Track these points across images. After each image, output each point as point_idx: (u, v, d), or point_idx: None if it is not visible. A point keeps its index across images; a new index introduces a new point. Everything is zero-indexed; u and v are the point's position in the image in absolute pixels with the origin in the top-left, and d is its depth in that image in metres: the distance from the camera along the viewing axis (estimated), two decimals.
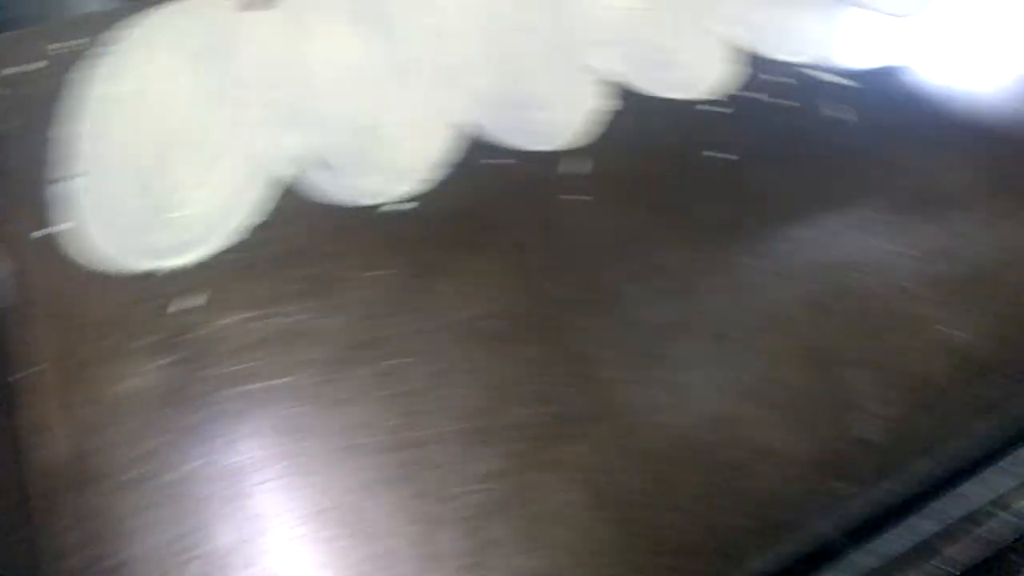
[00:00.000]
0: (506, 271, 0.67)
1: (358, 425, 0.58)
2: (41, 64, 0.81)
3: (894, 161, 0.78)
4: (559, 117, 0.82)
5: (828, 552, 0.57)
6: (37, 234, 0.68)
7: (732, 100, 0.84)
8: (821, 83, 0.86)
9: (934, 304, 0.66)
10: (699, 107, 0.83)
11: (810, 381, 0.60)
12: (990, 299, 0.66)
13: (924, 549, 0.60)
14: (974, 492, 0.61)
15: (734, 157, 0.78)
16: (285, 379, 0.60)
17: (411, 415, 0.58)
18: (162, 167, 0.76)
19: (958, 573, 0.60)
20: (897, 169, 0.77)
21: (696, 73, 0.88)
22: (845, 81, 0.86)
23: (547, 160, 0.77)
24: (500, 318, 0.63)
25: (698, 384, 0.60)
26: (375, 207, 0.72)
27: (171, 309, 0.64)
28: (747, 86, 0.86)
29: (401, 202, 0.72)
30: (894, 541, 0.58)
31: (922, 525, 0.59)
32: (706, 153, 0.78)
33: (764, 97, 0.85)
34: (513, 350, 0.61)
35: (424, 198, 0.73)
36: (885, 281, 0.67)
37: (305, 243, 0.69)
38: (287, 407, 0.58)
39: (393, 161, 0.77)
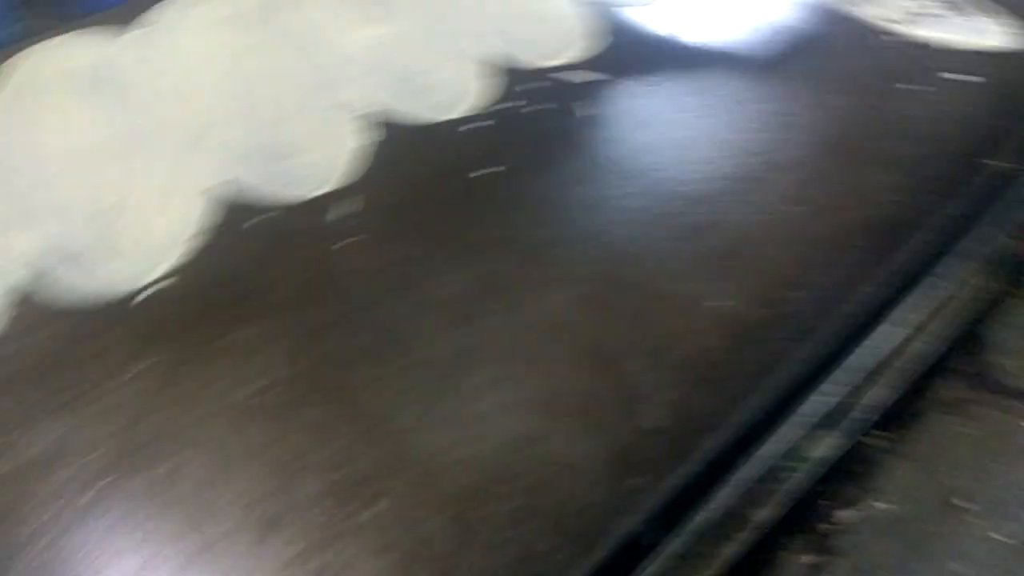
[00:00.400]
0: (281, 335, 0.64)
1: (139, 543, 0.53)
2: None
3: (648, 148, 0.81)
4: (319, 160, 0.79)
5: (642, 545, 0.58)
6: None
7: (493, 114, 0.85)
8: (573, 83, 0.88)
9: (702, 280, 0.68)
10: (462, 126, 0.83)
11: (596, 383, 0.61)
12: (750, 265, 0.69)
13: (733, 519, 0.62)
14: (768, 451, 0.64)
15: (501, 168, 0.79)
16: (45, 515, 0.54)
17: (195, 516, 0.54)
18: None
19: (768, 531, 0.63)
20: (652, 155, 0.80)
21: (455, 92, 0.87)
22: (596, 76, 0.88)
23: (312, 208, 0.74)
24: (280, 388, 0.60)
25: (491, 411, 0.59)
26: (130, 295, 0.67)
27: None
28: (506, 98, 0.86)
29: (158, 283, 0.67)
30: (703, 518, 0.60)
31: (726, 496, 0.62)
32: (474, 173, 0.78)
33: (523, 106, 0.85)
34: (297, 419, 0.58)
35: (183, 273, 0.68)
36: (654, 268, 0.69)
37: (55, 351, 0.63)
38: (52, 548, 0.53)
39: (144, 241, 0.72)
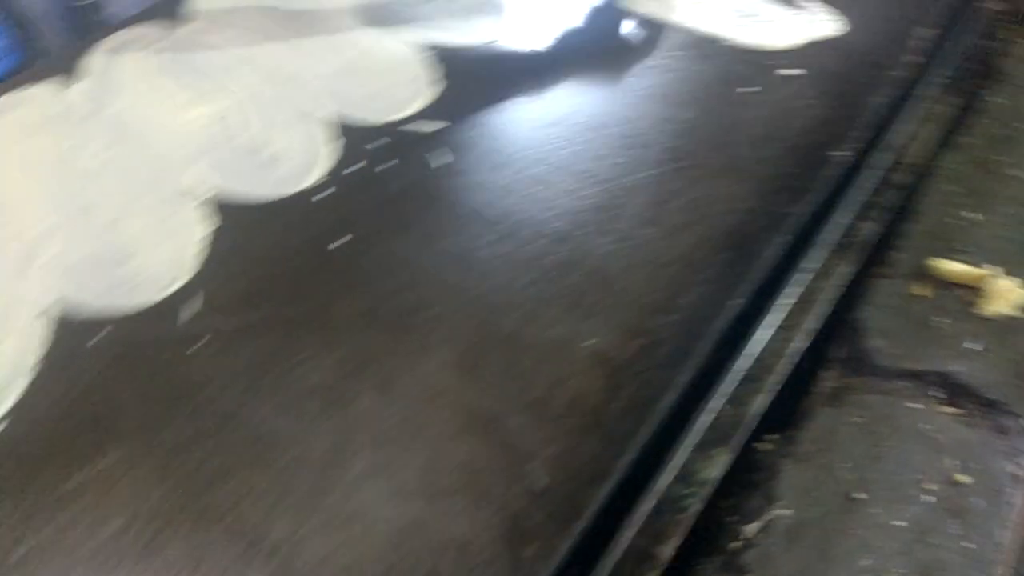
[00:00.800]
0: (138, 462, 0.59)
1: None
2: None
3: (506, 190, 0.80)
4: (163, 258, 0.75)
5: None
6: None
7: (345, 179, 0.82)
8: (424, 133, 0.86)
9: (573, 321, 0.67)
10: (313, 197, 0.80)
11: (480, 450, 0.59)
12: (617, 297, 0.69)
13: (642, 559, 0.61)
14: (664, 482, 0.63)
15: (358, 235, 0.76)
16: None
17: None
18: None
19: (679, 563, 0.62)
20: (510, 197, 0.79)
21: (301, 162, 0.84)
22: (446, 123, 0.87)
23: (159, 313, 0.69)
24: (141, 522, 0.55)
25: (374, 503, 0.56)
26: None
27: None
28: (356, 159, 0.84)
29: None
30: (610, 565, 0.59)
31: (630, 537, 0.60)
32: (331, 245, 0.75)
33: (375, 165, 0.83)
34: (163, 555, 0.54)
35: (21, 411, 0.63)
36: (524, 316, 0.68)
37: None
38: None
39: None
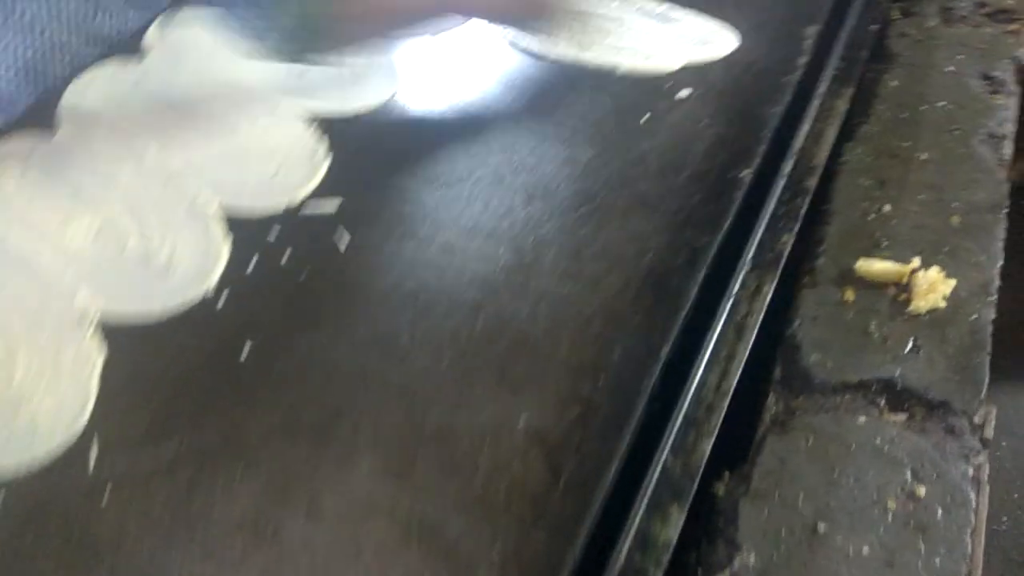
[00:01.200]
0: None
1: None
2: None
3: (420, 263, 0.76)
4: (52, 403, 0.69)
5: None
6: None
7: (240, 279, 0.77)
8: (318, 216, 0.82)
9: (504, 399, 0.64)
10: (211, 305, 0.75)
11: (420, 564, 0.55)
12: (546, 363, 0.66)
13: None
14: (626, 552, 0.60)
15: (267, 338, 0.72)
16: None
17: None
18: None
19: None
20: (425, 269, 0.75)
21: (193, 267, 0.79)
22: (337, 202, 0.83)
23: (57, 467, 0.64)
24: None
25: None
26: None
27: None
28: (250, 254, 0.79)
29: None
30: None
31: None
32: (238, 356, 0.70)
33: (270, 259, 0.79)
34: None
35: None
36: (454, 402, 0.64)
37: None
38: None
39: None
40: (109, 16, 1.12)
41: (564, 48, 0.98)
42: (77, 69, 1.07)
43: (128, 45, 1.09)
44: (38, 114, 0.99)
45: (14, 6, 1.06)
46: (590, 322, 0.69)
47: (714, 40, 0.97)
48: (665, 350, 0.67)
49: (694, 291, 0.71)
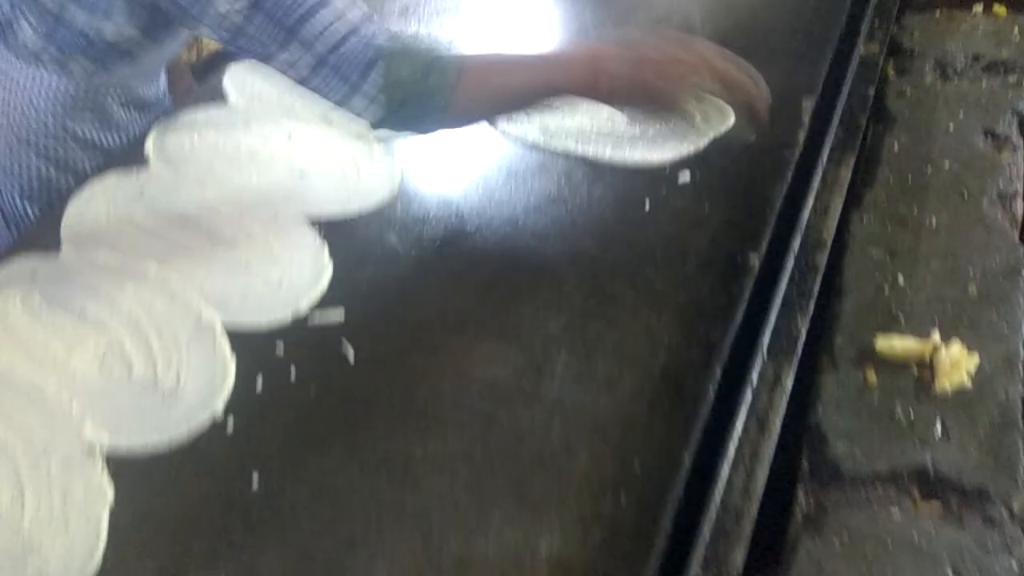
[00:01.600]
0: None
1: None
2: None
3: (415, 377, 0.75)
4: (61, 550, 0.67)
5: None
6: None
7: (250, 399, 0.76)
8: (325, 327, 0.81)
9: (520, 524, 0.62)
10: (222, 430, 0.74)
11: None
12: (557, 484, 0.64)
13: None
14: None
15: (271, 468, 0.70)
16: None
17: None
18: None
19: None
20: (419, 383, 0.74)
21: (202, 390, 0.77)
22: (342, 311, 0.82)
23: None
24: None
25: None
26: None
27: None
28: (258, 371, 0.78)
29: None
30: None
31: None
32: (251, 486, 0.68)
33: (279, 375, 0.77)
34: None
35: None
36: (469, 528, 0.62)
37: None
38: None
39: None
40: (116, 130, 1.13)
41: (562, 139, 0.97)
42: (80, 180, 1.08)
43: (130, 152, 1.10)
44: (42, 233, 0.99)
45: (28, 125, 1.07)
46: (607, 431, 0.67)
47: (712, 119, 0.97)
48: (687, 457, 0.64)
49: (711, 389, 0.69)
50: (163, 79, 1.23)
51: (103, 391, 0.79)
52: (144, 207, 1.00)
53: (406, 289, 0.83)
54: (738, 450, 0.69)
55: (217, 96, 1.18)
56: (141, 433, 0.75)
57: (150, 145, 1.10)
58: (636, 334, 0.74)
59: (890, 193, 0.96)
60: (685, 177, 0.89)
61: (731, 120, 0.95)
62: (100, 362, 0.82)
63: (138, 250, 0.93)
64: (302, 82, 0.87)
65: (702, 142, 0.92)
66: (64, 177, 1.12)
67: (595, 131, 0.95)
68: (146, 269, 0.90)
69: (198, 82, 1.36)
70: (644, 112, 0.89)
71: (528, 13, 1.25)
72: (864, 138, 1.02)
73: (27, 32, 1.00)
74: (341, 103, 0.86)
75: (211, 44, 2.13)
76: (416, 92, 0.82)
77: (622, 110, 0.88)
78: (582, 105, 0.91)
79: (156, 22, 0.97)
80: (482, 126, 1.00)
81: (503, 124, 1.00)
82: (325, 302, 0.84)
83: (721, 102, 0.89)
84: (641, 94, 0.83)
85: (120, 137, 1.14)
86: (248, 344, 0.81)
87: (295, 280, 0.87)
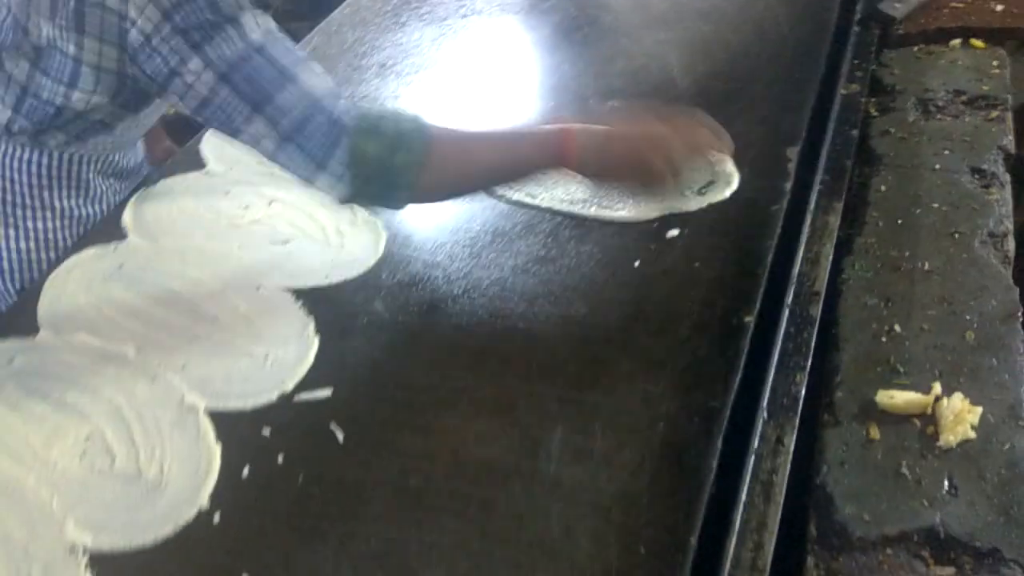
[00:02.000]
0: None
1: None
2: None
3: (410, 459, 0.72)
4: None
5: None
6: None
7: (237, 485, 0.73)
8: (304, 409, 0.79)
9: None
10: (208, 518, 0.71)
11: None
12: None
13: None
14: None
15: (261, 562, 0.67)
16: None
17: None
18: None
19: None
20: (414, 468, 0.71)
21: (186, 479, 0.75)
22: (325, 395, 0.79)
23: None
24: None
25: None
26: None
27: None
28: (245, 456, 0.75)
29: None
30: None
31: None
32: None
33: (267, 459, 0.75)
34: None
35: None
36: None
37: None
38: None
39: None
40: (94, 200, 1.10)
41: (548, 197, 0.96)
42: (60, 253, 1.05)
43: (108, 224, 1.07)
44: (19, 314, 0.97)
45: (4, 199, 1.05)
46: (609, 512, 0.64)
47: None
48: (693, 539, 0.62)
49: (714, 462, 0.67)
50: (140, 146, 1.21)
51: (85, 485, 0.76)
52: (123, 284, 0.97)
53: (394, 362, 0.81)
54: (744, 523, 0.67)
55: (195, 161, 1.16)
56: (125, 531, 0.72)
57: (128, 217, 1.08)
58: (633, 404, 0.72)
59: (880, 237, 0.95)
60: (674, 232, 0.88)
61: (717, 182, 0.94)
62: (81, 454, 0.79)
63: (117, 331, 0.91)
64: (269, 157, 0.86)
65: (691, 204, 0.91)
66: (43, 251, 1.09)
67: (581, 188, 0.94)
68: (126, 352, 0.88)
69: (174, 140, 1.35)
70: (617, 186, 0.89)
71: (507, 67, 1.24)
72: (850, 181, 1.01)
73: None
74: (308, 180, 0.85)
75: None
76: (382, 170, 0.82)
77: (595, 184, 0.88)
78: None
79: (126, 90, 0.95)
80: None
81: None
82: (311, 379, 0.81)
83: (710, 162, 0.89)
84: (612, 169, 0.83)
85: (99, 207, 1.12)
86: (233, 427, 0.79)
87: (280, 357, 0.84)
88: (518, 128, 0.94)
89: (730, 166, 0.94)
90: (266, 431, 0.78)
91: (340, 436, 0.75)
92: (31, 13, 0.91)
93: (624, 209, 0.91)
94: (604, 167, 0.82)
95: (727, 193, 0.92)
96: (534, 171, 0.85)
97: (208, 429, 0.79)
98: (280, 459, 0.75)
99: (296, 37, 2.34)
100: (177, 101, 0.88)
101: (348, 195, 0.84)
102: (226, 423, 0.79)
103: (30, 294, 0.99)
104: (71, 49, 0.89)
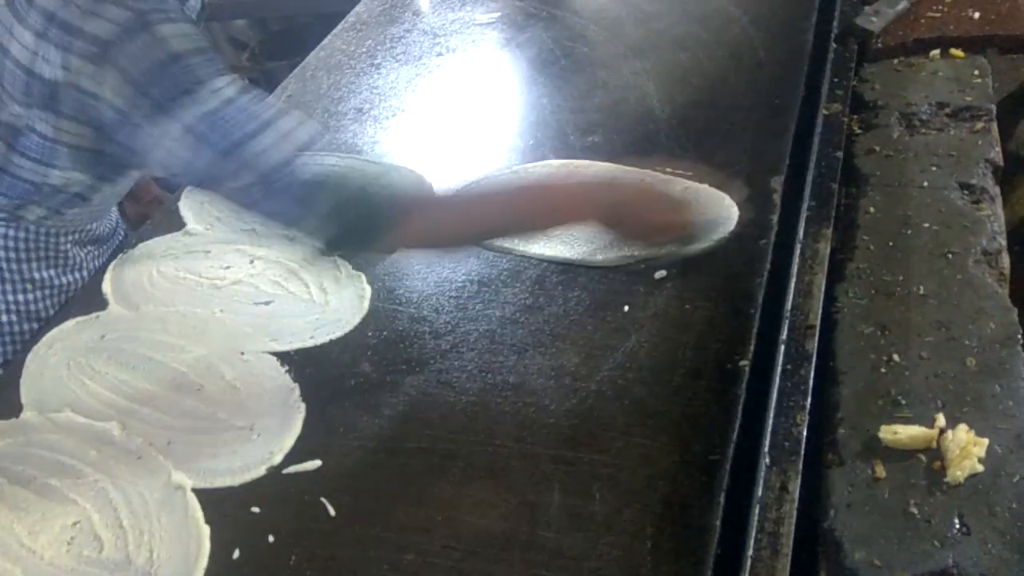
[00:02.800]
0: None
1: None
2: None
3: (400, 523, 0.70)
4: None
5: None
6: None
7: (229, 567, 0.71)
8: (293, 483, 0.76)
9: None
10: None
11: None
12: None
13: None
14: None
15: None
16: None
17: None
18: None
19: None
20: (406, 527, 0.69)
21: (174, 567, 0.73)
22: (314, 466, 0.77)
23: None
24: None
25: None
26: None
27: None
28: (236, 537, 0.73)
29: None
30: None
31: None
32: None
33: (258, 538, 0.72)
34: None
35: None
36: None
37: None
38: None
39: None
40: (73, 269, 1.09)
41: (531, 246, 0.94)
42: (41, 324, 1.04)
43: (88, 292, 1.06)
44: (0, 393, 0.95)
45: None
46: (613, 545, 0.62)
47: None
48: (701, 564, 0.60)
49: (717, 521, 0.65)
50: (115, 211, 1.20)
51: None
52: (105, 356, 0.95)
53: (384, 426, 0.79)
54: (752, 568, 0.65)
55: (174, 222, 1.14)
56: None
57: (108, 284, 1.06)
58: (631, 462, 0.70)
59: (872, 261, 0.94)
60: (662, 273, 0.86)
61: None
62: (68, 542, 0.77)
63: (102, 407, 0.88)
64: (254, 205, 0.84)
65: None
66: (24, 323, 1.07)
67: (564, 234, 0.92)
68: (110, 429, 0.85)
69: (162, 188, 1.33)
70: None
71: (484, 106, 1.23)
72: (838, 204, 0.99)
73: None
74: (295, 223, 0.83)
75: None
76: (367, 211, 0.80)
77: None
78: None
79: (103, 165, 0.94)
80: None
81: None
82: (299, 450, 0.79)
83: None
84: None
85: (77, 275, 1.11)
86: (222, 506, 0.76)
87: (267, 428, 0.82)
88: (511, 188, 0.97)
89: (728, 202, 0.92)
90: (255, 508, 0.75)
91: (332, 510, 0.73)
92: (4, 97, 0.90)
93: (611, 251, 0.89)
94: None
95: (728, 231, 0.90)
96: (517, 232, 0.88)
97: (196, 509, 0.77)
98: (271, 538, 0.73)
99: (272, 78, 2.36)
100: (161, 170, 0.87)
101: (336, 235, 0.81)
102: (214, 501, 0.77)
103: (12, 370, 0.97)
104: (48, 130, 0.88)
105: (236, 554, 0.72)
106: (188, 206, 1.16)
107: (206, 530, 0.75)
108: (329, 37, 1.52)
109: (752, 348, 0.78)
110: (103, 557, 0.75)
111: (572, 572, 0.64)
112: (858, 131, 1.12)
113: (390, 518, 0.71)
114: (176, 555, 0.74)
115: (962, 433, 0.74)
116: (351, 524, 0.72)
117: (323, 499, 0.74)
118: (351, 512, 0.73)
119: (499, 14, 1.44)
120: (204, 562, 0.73)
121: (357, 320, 0.93)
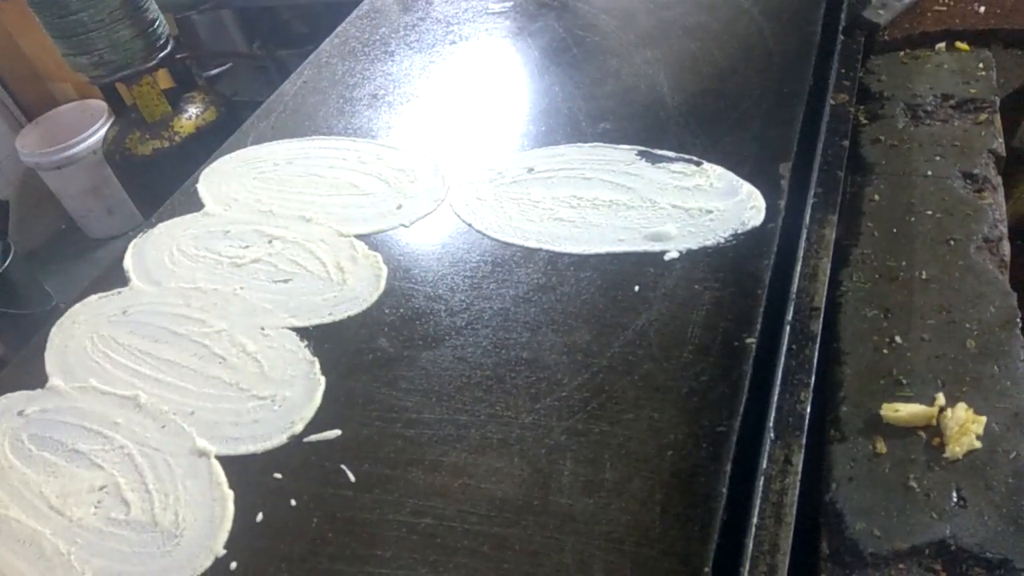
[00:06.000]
0: None
1: None
2: None
3: (419, 494, 0.73)
4: None
5: None
6: None
7: (251, 531, 0.74)
8: (315, 451, 0.79)
9: None
10: (219, 569, 0.72)
11: None
12: None
13: None
14: None
15: None
16: None
17: None
18: None
19: None
20: (425, 500, 0.72)
21: (200, 529, 0.75)
22: (334, 435, 0.80)
23: None
24: None
25: None
26: None
27: None
28: (258, 501, 0.76)
29: None
30: None
31: None
32: None
33: (281, 503, 0.75)
34: None
35: None
36: None
37: None
38: None
39: None
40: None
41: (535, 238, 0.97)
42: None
43: (109, 271, 1.08)
44: (27, 365, 0.98)
45: None
46: (622, 543, 0.65)
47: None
48: (707, 568, 0.63)
49: (724, 489, 0.68)
50: None
51: (101, 536, 0.77)
52: (129, 328, 0.98)
53: (401, 398, 0.82)
54: (757, 545, 0.67)
55: (194, 202, 1.17)
56: None
57: (129, 262, 1.09)
58: (641, 433, 0.72)
59: (876, 247, 0.96)
60: (672, 254, 0.89)
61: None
62: (95, 505, 0.80)
63: (126, 377, 0.91)
64: None
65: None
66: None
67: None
68: (136, 397, 0.88)
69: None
70: None
71: (497, 93, 1.25)
72: (843, 191, 1.02)
73: None
74: None
75: (184, 129, 2.14)
76: None
77: None
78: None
79: None
80: (464, 228, 1.00)
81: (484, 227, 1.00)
82: (320, 420, 0.82)
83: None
84: None
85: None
86: (245, 472, 0.79)
87: (288, 399, 0.85)
88: None
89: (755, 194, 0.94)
90: (278, 475, 0.78)
91: (352, 476, 0.76)
92: None
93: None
94: None
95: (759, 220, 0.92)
96: None
97: (220, 474, 0.80)
98: (293, 502, 0.75)
99: (283, 65, 2.38)
100: None
101: None
102: (238, 468, 0.80)
103: (37, 343, 1.00)
104: None
105: (259, 517, 0.75)
106: (206, 187, 1.19)
107: (230, 494, 0.78)
108: (343, 25, 1.54)
109: (759, 327, 0.80)
110: (130, 519, 0.78)
111: (584, 536, 0.66)
112: (864, 121, 1.14)
113: (408, 484, 0.74)
114: (201, 517, 0.77)
115: (961, 411, 0.77)
116: (370, 489, 0.74)
117: (343, 466, 0.77)
118: (370, 478, 0.75)
119: (511, 3, 1.46)
120: (228, 525, 0.75)
121: (374, 298, 0.95)
